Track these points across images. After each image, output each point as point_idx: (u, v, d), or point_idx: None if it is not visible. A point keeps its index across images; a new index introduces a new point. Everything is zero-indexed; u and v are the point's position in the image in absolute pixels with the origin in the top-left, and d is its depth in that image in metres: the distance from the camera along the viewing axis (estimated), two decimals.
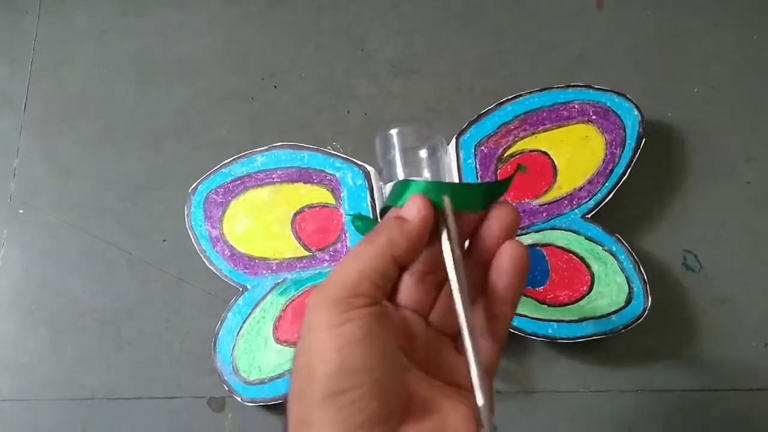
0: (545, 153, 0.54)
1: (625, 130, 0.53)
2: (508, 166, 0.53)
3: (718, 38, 0.60)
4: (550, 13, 0.61)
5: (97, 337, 0.56)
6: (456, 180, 0.53)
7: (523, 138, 0.54)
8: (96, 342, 0.56)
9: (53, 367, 0.55)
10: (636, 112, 0.54)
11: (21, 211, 0.59)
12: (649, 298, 0.50)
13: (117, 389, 0.54)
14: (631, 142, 0.53)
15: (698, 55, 0.59)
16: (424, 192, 0.31)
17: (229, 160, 0.55)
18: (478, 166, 0.53)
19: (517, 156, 0.54)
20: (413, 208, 0.30)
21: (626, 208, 0.55)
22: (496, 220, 0.31)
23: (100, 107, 0.61)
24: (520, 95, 0.54)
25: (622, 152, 0.53)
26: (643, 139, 0.53)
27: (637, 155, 0.53)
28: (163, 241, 0.57)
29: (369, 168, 0.54)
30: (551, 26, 0.61)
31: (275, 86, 0.61)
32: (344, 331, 0.27)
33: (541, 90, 0.55)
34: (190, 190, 0.55)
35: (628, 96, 0.54)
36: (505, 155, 0.54)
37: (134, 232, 0.58)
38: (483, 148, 0.54)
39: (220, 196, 0.55)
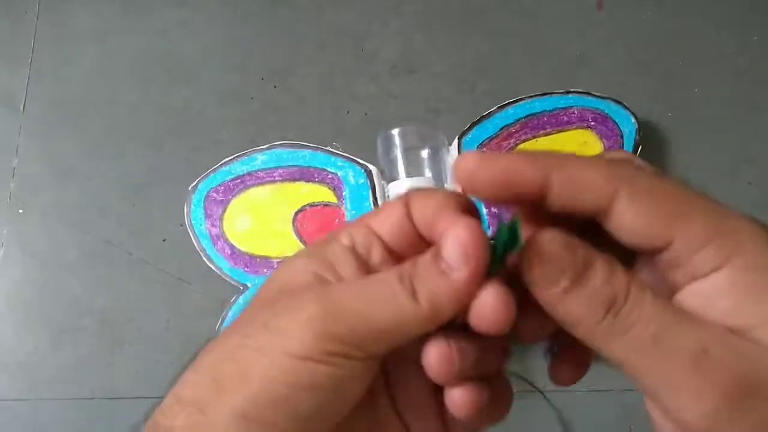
0: None
1: (622, 137, 0.54)
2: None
3: (718, 38, 0.60)
4: (550, 13, 0.61)
5: (97, 337, 0.56)
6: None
7: (524, 141, 0.54)
8: (96, 342, 0.55)
9: (53, 367, 0.55)
10: (633, 120, 0.54)
11: (21, 211, 0.59)
12: None
13: (117, 389, 0.54)
14: (628, 149, 0.54)
15: (698, 55, 0.60)
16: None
17: (229, 158, 0.55)
18: None
19: None
20: (464, 261, 0.21)
21: None
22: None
23: (100, 107, 0.61)
24: (522, 99, 0.55)
25: None
26: (640, 146, 0.53)
27: None
28: (163, 240, 0.57)
29: (371, 167, 0.54)
30: (551, 26, 0.61)
31: (275, 86, 0.61)
32: (310, 371, 0.21)
33: (542, 94, 0.55)
34: (190, 188, 0.55)
35: (624, 104, 0.54)
36: None
37: (134, 232, 0.58)
38: (485, 149, 0.54)
39: (221, 195, 0.55)
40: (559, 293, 0.21)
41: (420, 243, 0.24)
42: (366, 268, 0.24)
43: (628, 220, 0.21)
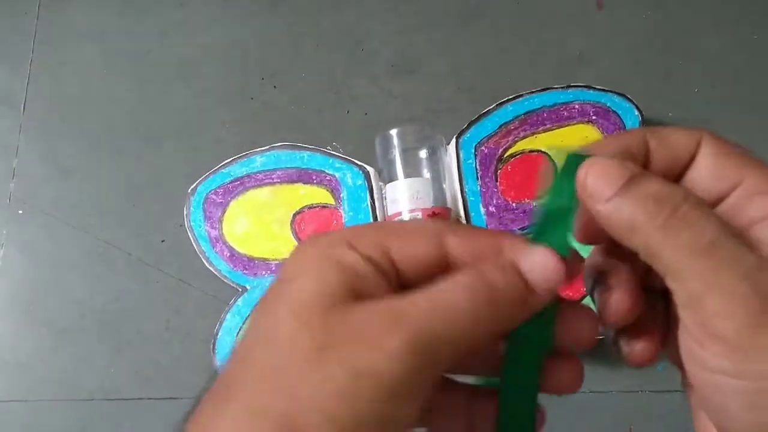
0: (546, 153, 0.54)
1: (625, 131, 0.53)
2: (508, 167, 0.53)
3: (718, 38, 0.60)
4: (550, 13, 0.61)
5: (97, 337, 0.56)
6: (456, 181, 0.53)
7: (523, 138, 0.54)
8: (96, 342, 0.55)
9: (53, 367, 0.55)
10: (636, 113, 0.54)
11: (20, 212, 0.59)
12: None
13: (117, 389, 0.54)
14: None
15: (698, 55, 0.59)
16: (560, 245, 0.23)
17: (228, 160, 0.55)
18: (478, 167, 0.53)
19: (518, 156, 0.54)
20: (549, 275, 0.22)
21: None
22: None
23: (100, 107, 0.61)
24: (521, 95, 0.54)
25: None
26: None
27: None
28: (162, 241, 0.57)
29: (369, 168, 0.54)
30: (551, 26, 0.61)
31: (275, 86, 0.61)
32: (399, 409, 0.20)
33: (541, 90, 0.55)
34: (189, 191, 0.55)
35: (628, 96, 0.54)
36: (506, 155, 0.54)
37: (134, 232, 0.58)
38: (483, 148, 0.54)
39: (220, 197, 0.55)
40: (615, 197, 0.22)
41: (434, 273, 0.23)
42: (393, 290, 0.23)
43: (709, 163, 0.23)
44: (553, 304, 0.23)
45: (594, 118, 0.54)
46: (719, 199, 0.23)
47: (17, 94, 0.62)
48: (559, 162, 0.23)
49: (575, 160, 0.23)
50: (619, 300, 0.24)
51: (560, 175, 0.23)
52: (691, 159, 0.24)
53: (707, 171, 0.23)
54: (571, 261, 0.23)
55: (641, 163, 0.24)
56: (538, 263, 0.22)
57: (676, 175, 0.24)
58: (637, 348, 0.26)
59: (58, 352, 0.56)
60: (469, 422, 0.25)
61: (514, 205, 0.53)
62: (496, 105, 0.54)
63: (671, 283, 0.22)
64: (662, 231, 0.21)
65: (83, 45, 0.63)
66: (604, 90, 0.54)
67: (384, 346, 0.20)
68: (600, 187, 0.22)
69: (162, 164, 0.59)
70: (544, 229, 0.23)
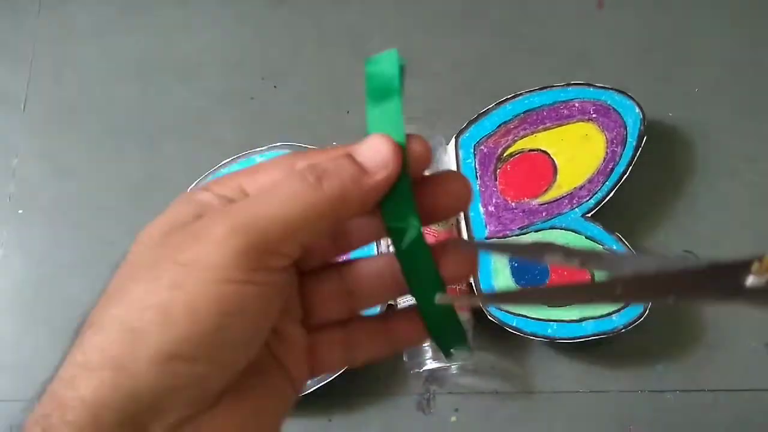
0: (545, 152, 0.53)
1: (626, 128, 0.53)
2: (507, 166, 0.53)
3: (718, 38, 0.60)
4: (550, 12, 0.61)
5: None
6: None
7: (522, 137, 0.54)
8: None
9: (53, 368, 0.55)
10: (637, 110, 0.53)
11: (20, 211, 0.59)
12: None
13: None
14: (632, 141, 0.53)
15: (698, 55, 0.59)
16: (393, 127, 0.24)
17: (227, 160, 0.55)
18: (477, 166, 0.53)
19: (517, 155, 0.54)
20: (378, 157, 0.23)
21: (627, 207, 0.55)
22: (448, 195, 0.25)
23: (100, 107, 0.61)
24: (520, 94, 0.54)
25: (623, 150, 0.53)
26: (645, 137, 0.53)
27: (638, 153, 0.53)
28: None
29: None
30: (551, 26, 0.61)
31: (275, 86, 0.61)
32: (239, 293, 0.21)
33: (541, 89, 0.55)
34: (187, 191, 0.55)
35: (629, 94, 0.54)
36: (505, 155, 0.54)
37: (134, 232, 0.57)
38: (482, 147, 0.54)
39: None
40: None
41: None
42: None
43: None
44: (404, 182, 0.23)
45: (594, 116, 0.54)
46: None
47: (17, 94, 0.62)
48: (373, 68, 0.25)
49: (386, 58, 0.24)
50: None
51: (377, 71, 0.25)
52: None
53: None
54: (411, 144, 0.24)
55: None
56: (367, 145, 0.23)
57: None
58: None
59: (58, 352, 0.55)
60: (313, 360, 0.27)
61: (513, 204, 0.53)
62: (496, 104, 0.54)
63: None
64: None
65: (83, 45, 0.63)
66: (604, 88, 0.54)
67: (208, 236, 0.21)
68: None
69: (162, 164, 0.59)
70: (375, 123, 0.24)
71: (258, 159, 0.55)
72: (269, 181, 0.23)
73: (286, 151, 0.55)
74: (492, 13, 0.62)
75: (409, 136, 0.24)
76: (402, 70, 0.24)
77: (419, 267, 0.25)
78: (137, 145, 0.60)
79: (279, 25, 0.62)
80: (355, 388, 0.51)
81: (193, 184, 0.55)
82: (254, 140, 0.58)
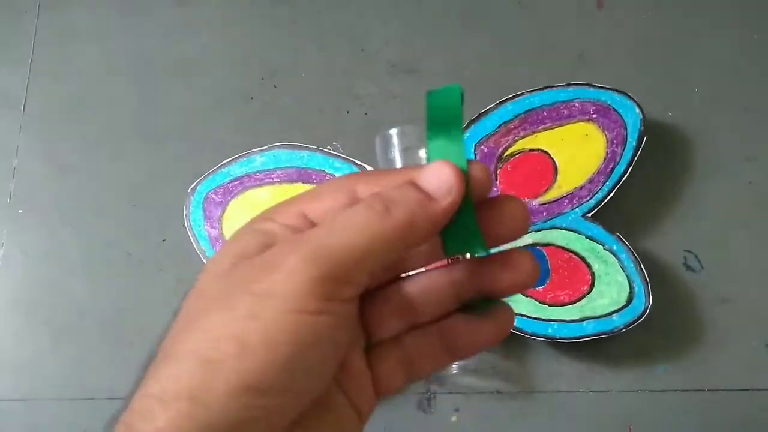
0: (545, 152, 0.54)
1: (626, 129, 0.53)
2: (508, 166, 0.53)
3: (718, 38, 0.60)
4: (550, 13, 0.61)
5: (97, 337, 0.56)
6: None
7: (523, 137, 0.54)
8: (96, 342, 0.55)
9: (53, 367, 0.55)
10: (637, 110, 0.53)
11: (21, 211, 0.59)
12: (650, 297, 0.50)
13: (117, 389, 0.54)
14: (632, 141, 0.53)
15: (698, 55, 0.59)
16: (455, 154, 0.24)
17: (228, 160, 0.55)
18: None
19: (518, 155, 0.54)
20: (442, 183, 0.23)
21: (627, 207, 0.55)
22: (506, 223, 0.25)
23: (100, 107, 0.61)
24: (520, 94, 0.54)
25: (623, 151, 0.53)
26: (645, 137, 0.53)
27: (638, 153, 0.53)
28: (163, 241, 0.57)
29: (368, 168, 0.54)
30: (551, 26, 0.61)
31: (275, 86, 0.61)
32: (313, 323, 0.21)
33: (541, 89, 0.55)
34: (189, 190, 0.55)
35: (629, 94, 0.54)
36: (506, 154, 0.54)
37: (134, 232, 0.58)
38: (483, 147, 0.54)
39: (219, 196, 0.55)
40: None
41: None
42: None
43: None
44: (467, 207, 0.24)
45: (594, 116, 0.54)
46: None
47: (17, 94, 0.62)
48: (435, 99, 0.25)
49: (448, 91, 0.25)
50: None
51: (439, 103, 0.25)
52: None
53: None
54: (472, 169, 0.24)
55: None
56: (431, 172, 0.23)
57: None
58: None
59: (58, 352, 0.56)
60: (376, 388, 0.26)
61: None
62: (496, 104, 0.54)
63: None
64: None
65: (83, 45, 0.63)
66: (604, 88, 0.54)
67: (281, 267, 0.21)
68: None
69: (162, 164, 0.59)
70: (437, 151, 0.24)
71: (258, 158, 0.55)
72: (332, 208, 0.24)
73: (286, 150, 0.55)
74: (492, 13, 0.62)
75: (469, 162, 0.24)
76: (462, 99, 0.25)
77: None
78: (137, 145, 0.60)
79: (279, 25, 0.62)
80: None
81: (194, 184, 0.55)
82: (254, 140, 0.58)
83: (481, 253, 0.24)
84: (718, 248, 0.55)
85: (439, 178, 0.23)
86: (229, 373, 0.20)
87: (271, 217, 0.24)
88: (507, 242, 0.25)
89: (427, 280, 0.26)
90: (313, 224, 0.24)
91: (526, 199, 0.53)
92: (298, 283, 0.21)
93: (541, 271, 0.51)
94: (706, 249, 0.55)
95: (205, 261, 0.54)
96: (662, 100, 0.58)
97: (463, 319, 0.26)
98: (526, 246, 0.52)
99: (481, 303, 0.26)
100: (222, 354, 0.21)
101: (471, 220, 0.24)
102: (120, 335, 0.56)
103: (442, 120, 0.25)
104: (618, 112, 0.54)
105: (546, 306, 0.51)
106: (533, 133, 0.54)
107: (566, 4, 0.61)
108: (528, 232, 0.52)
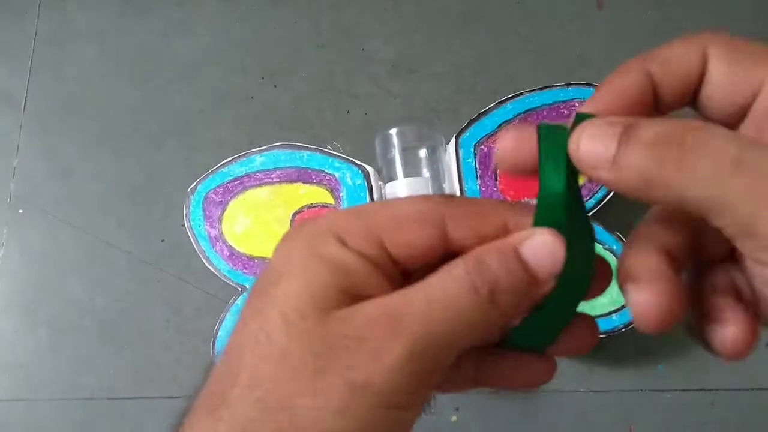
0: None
1: None
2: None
3: None
4: (550, 13, 0.61)
5: (97, 337, 0.56)
6: (455, 180, 0.53)
7: None
8: (96, 342, 0.55)
9: (53, 367, 0.55)
10: None
11: (21, 211, 0.59)
12: None
13: (117, 389, 0.54)
14: None
15: None
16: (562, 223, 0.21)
17: (227, 159, 0.55)
18: (477, 166, 0.53)
19: None
20: (551, 263, 0.21)
21: (627, 206, 0.55)
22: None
23: (100, 107, 0.61)
24: (520, 94, 0.54)
25: None
26: None
27: None
28: (162, 240, 0.57)
29: (368, 168, 0.54)
30: (551, 26, 0.61)
31: (275, 86, 0.61)
32: (402, 418, 0.20)
33: (541, 88, 0.55)
34: (188, 190, 0.55)
35: None
36: None
37: (133, 232, 0.58)
38: (483, 147, 0.54)
39: (219, 196, 0.55)
40: (616, 153, 0.20)
41: (435, 257, 0.22)
42: (390, 283, 0.21)
43: (722, 72, 0.21)
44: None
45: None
46: (744, 109, 0.21)
47: (17, 94, 0.62)
48: (550, 139, 0.22)
49: (563, 133, 0.21)
50: (653, 302, 0.21)
51: (548, 152, 0.22)
52: (702, 73, 0.21)
53: (722, 81, 0.21)
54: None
55: (650, 101, 0.21)
56: (541, 246, 0.21)
57: (691, 97, 0.22)
58: (728, 336, 0.21)
59: (58, 352, 0.56)
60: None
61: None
62: (496, 104, 0.54)
63: (715, 221, 0.19)
64: (679, 171, 0.19)
65: (83, 45, 0.63)
66: None
67: (382, 357, 0.19)
68: (596, 155, 0.20)
69: (162, 164, 0.59)
70: (544, 212, 0.21)
71: (258, 158, 0.55)
72: (419, 244, 0.21)
73: (286, 150, 0.55)
74: (492, 14, 0.62)
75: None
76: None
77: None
78: (137, 145, 0.60)
79: (279, 25, 0.62)
80: None
81: (194, 184, 0.55)
82: (254, 140, 0.58)
83: (549, 344, 0.23)
84: None
85: (549, 255, 0.21)
86: None
87: (341, 237, 0.21)
88: (569, 356, 0.24)
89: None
90: (391, 257, 0.21)
91: (527, 198, 0.53)
92: (400, 380, 0.19)
93: None
94: None
95: (205, 261, 0.54)
96: None
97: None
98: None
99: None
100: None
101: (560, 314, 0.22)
102: (120, 335, 0.56)
103: (557, 169, 0.21)
104: None
105: None
106: None
107: (566, 4, 0.61)
108: None
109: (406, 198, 0.22)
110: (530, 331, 0.22)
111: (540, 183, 0.21)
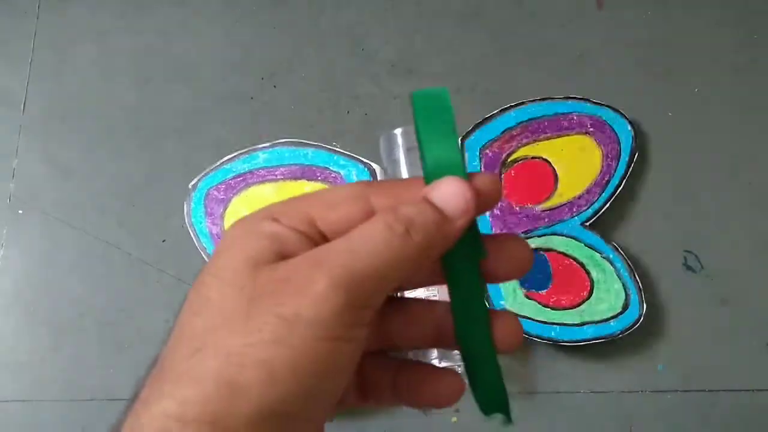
0: (546, 160, 0.54)
1: (619, 144, 0.54)
2: (512, 171, 0.54)
3: (718, 38, 0.60)
4: (550, 13, 0.61)
5: (97, 337, 0.56)
6: None
7: (525, 144, 0.54)
8: (96, 342, 0.55)
9: (53, 368, 0.55)
10: (629, 128, 0.55)
11: (20, 212, 0.59)
12: (644, 305, 0.51)
13: (117, 390, 0.54)
14: (625, 157, 0.54)
15: (698, 55, 0.59)
16: (454, 167, 0.24)
17: (230, 156, 0.55)
18: (483, 169, 0.54)
19: (521, 162, 0.54)
20: (458, 203, 0.23)
21: (626, 209, 0.55)
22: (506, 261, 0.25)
23: (100, 107, 0.61)
24: (523, 103, 0.55)
25: (617, 165, 0.54)
26: (636, 154, 0.54)
27: (630, 169, 0.54)
28: (163, 241, 0.57)
29: (374, 165, 0.54)
30: (551, 26, 0.61)
31: (275, 86, 0.61)
32: (338, 350, 0.21)
33: (541, 99, 0.55)
34: (190, 186, 0.55)
35: (621, 111, 0.55)
36: (509, 160, 0.54)
37: (134, 232, 0.58)
38: (488, 151, 0.54)
39: (221, 193, 0.55)
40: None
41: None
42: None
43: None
44: (473, 228, 0.24)
45: (591, 130, 0.55)
46: None
47: (17, 94, 0.62)
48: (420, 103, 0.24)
49: (437, 94, 0.24)
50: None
51: (429, 107, 0.24)
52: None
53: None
54: (481, 182, 0.24)
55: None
56: (446, 190, 0.23)
57: None
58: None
59: (58, 352, 0.55)
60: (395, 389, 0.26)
61: (518, 208, 0.53)
62: (500, 110, 0.55)
63: None
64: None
65: (83, 45, 0.63)
66: (600, 104, 0.55)
67: (307, 291, 0.21)
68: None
69: (162, 164, 0.59)
70: (437, 163, 0.24)
71: (261, 155, 0.55)
72: (346, 219, 0.23)
73: (289, 149, 0.55)
74: (492, 14, 0.62)
75: (473, 174, 0.24)
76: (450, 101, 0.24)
77: (475, 315, 0.25)
78: (137, 145, 0.60)
79: (279, 25, 0.62)
80: None
81: (195, 180, 0.55)
82: (254, 140, 0.58)
83: (482, 257, 0.24)
84: (718, 248, 0.55)
85: (454, 197, 0.23)
86: (254, 400, 0.20)
87: (275, 217, 0.23)
88: (505, 281, 0.25)
89: (409, 310, 0.26)
90: (321, 234, 0.23)
91: (529, 205, 0.53)
92: (328, 310, 0.20)
93: (544, 275, 0.52)
94: (706, 249, 0.55)
95: (206, 258, 0.54)
96: (662, 100, 0.58)
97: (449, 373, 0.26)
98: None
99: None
100: (248, 379, 0.20)
101: (475, 234, 0.24)
102: (120, 335, 0.55)
103: (436, 127, 0.24)
104: (612, 128, 0.55)
105: (548, 309, 0.51)
106: (534, 141, 0.54)
107: (566, 4, 0.61)
108: (530, 237, 0.53)
109: (337, 185, 0.24)
110: (458, 251, 0.24)
111: (426, 151, 0.24)
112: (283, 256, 0.22)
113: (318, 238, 0.23)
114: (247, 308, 0.21)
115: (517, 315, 0.26)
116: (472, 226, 0.24)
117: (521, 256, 0.25)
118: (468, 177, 0.23)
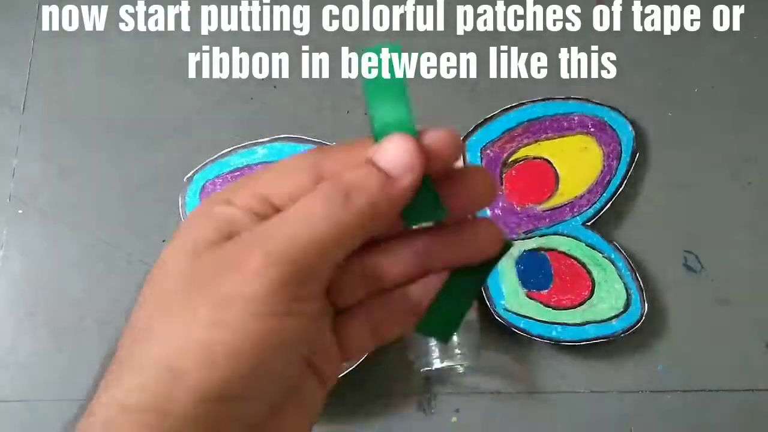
0: (548, 161, 0.54)
1: (620, 144, 0.54)
2: (513, 171, 0.54)
3: (718, 38, 0.60)
4: (550, 12, 0.61)
5: (97, 337, 0.55)
6: None
7: (526, 145, 0.54)
8: (96, 342, 0.55)
9: (53, 368, 0.55)
10: (630, 129, 0.55)
11: (20, 211, 0.59)
12: (646, 305, 0.51)
13: None
14: (626, 157, 0.54)
15: (698, 55, 0.59)
16: (403, 124, 0.22)
17: (228, 149, 0.55)
18: None
19: (522, 162, 0.54)
20: (402, 160, 0.22)
21: (627, 209, 0.55)
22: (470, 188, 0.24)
23: (100, 107, 0.61)
24: (523, 103, 0.55)
25: (618, 165, 0.54)
26: (637, 154, 0.54)
27: (631, 169, 0.54)
28: (163, 241, 0.57)
29: None
30: (551, 26, 0.61)
31: (275, 86, 0.61)
32: (279, 326, 0.20)
33: (542, 100, 0.55)
34: (185, 179, 0.55)
35: (622, 111, 0.55)
36: (510, 160, 0.54)
37: (134, 232, 0.58)
38: (489, 151, 0.54)
39: (218, 187, 0.54)
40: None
41: None
42: None
43: None
44: (427, 182, 0.22)
45: (592, 130, 0.55)
46: None
47: (17, 94, 0.62)
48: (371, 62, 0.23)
49: (382, 51, 0.23)
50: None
51: (377, 64, 0.23)
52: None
53: None
54: (432, 138, 0.22)
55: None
56: (389, 149, 0.22)
57: None
58: None
59: (58, 352, 0.55)
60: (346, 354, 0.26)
61: (518, 209, 0.53)
62: (501, 111, 0.55)
63: None
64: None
65: (83, 45, 0.63)
66: (601, 104, 0.55)
67: (242, 267, 0.20)
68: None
69: (162, 164, 0.59)
70: (385, 122, 0.22)
71: (260, 150, 0.55)
72: (296, 190, 0.22)
73: (288, 144, 0.55)
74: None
75: (427, 130, 0.22)
76: (401, 58, 0.23)
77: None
78: (137, 145, 0.60)
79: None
80: (355, 388, 0.51)
81: (189, 175, 0.55)
82: (254, 140, 0.58)
83: (442, 218, 0.23)
84: (718, 248, 0.55)
85: (398, 155, 0.22)
86: (194, 384, 0.20)
87: (229, 199, 0.23)
88: (472, 212, 0.24)
89: (388, 250, 0.25)
90: (276, 208, 0.22)
91: (531, 205, 0.53)
92: (261, 286, 0.20)
93: (545, 275, 0.52)
94: (706, 249, 0.55)
95: None
96: (662, 100, 0.58)
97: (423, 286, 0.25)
98: (531, 249, 0.53)
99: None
100: (187, 364, 0.20)
101: (429, 190, 0.22)
102: (120, 335, 0.55)
103: (384, 86, 0.23)
104: (613, 128, 0.55)
105: (550, 309, 0.51)
106: (536, 141, 0.54)
107: (566, 4, 0.61)
108: (531, 237, 0.53)
109: (290, 156, 0.24)
110: (414, 208, 0.23)
111: (374, 111, 0.23)
112: (232, 237, 0.22)
113: (272, 213, 0.22)
114: (187, 292, 0.21)
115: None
116: (427, 184, 0.22)
117: (483, 186, 0.24)
118: (418, 134, 0.22)
